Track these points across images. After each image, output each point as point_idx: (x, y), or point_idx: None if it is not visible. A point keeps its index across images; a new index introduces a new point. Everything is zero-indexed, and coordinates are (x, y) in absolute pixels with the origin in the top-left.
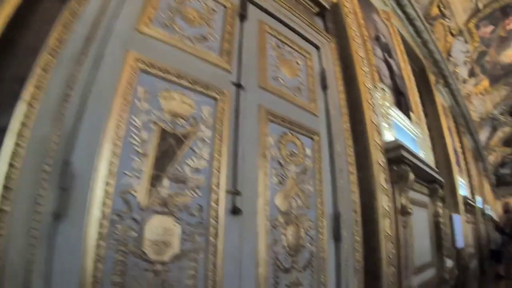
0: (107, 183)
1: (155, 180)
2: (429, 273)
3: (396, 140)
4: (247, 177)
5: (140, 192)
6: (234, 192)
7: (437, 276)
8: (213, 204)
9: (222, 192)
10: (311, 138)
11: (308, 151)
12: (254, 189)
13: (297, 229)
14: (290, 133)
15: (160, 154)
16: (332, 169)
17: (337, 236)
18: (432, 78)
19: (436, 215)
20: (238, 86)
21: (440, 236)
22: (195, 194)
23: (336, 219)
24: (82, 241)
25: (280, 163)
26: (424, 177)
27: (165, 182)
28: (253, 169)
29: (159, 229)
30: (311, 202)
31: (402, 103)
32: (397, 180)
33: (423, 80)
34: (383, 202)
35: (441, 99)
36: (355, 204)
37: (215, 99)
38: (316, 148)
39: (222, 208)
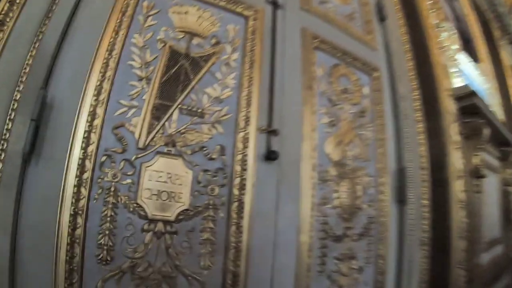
0: (95, 115)
1: (160, 111)
2: (497, 250)
3: (467, 86)
4: (288, 113)
5: (139, 126)
6: (269, 131)
7: (505, 255)
8: (239, 145)
9: (252, 130)
10: (369, 75)
11: (366, 90)
12: (296, 129)
13: (352, 186)
14: (343, 65)
15: (168, 79)
16: (396, 114)
17: (401, 198)
18: (497, 33)
19: (506, 183)
20: (275, 4)
21: (509, 209)
22: (215, 131)
23: (401, 176)
24: (58, 187)
25: (331, 101)
26: (496, 137)
27: (174, 114)
28: (296, 103)
29: (163, 176)
30: (371, 153)
31: (468, 52)
32: (470, 135)
33: (486, 36)
34: (456, 160)
35: (508, 57)
36: (423, 160)
37: (244, 16)
38: (375, 87)
39: (252, 151)
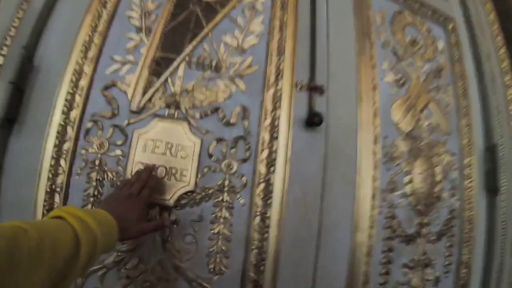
0: (81, 74)
1: (161, 66)
2: None
3: None
4: (336, 65)
5: (133, 85)
6: (311, 87)
7: None
8: (268, 105)
9: (286, 86)
10: (443, 26)
11: (441, 45)
12: (350, 86)
13: (429, 167)
14: (408, 12)
15: (174, 28)
16: (480, 77)
17: (492, 186)
18: None
19: None
20: None
21: None
22: (234, 88)
23: (492, 156)
24: (38, 160)
25: (396, 54)
26: None
27: (180, 69)
28: (347, 52)
29: (161, 146)
30: (452, 124)
31: None
32: None
33: None
34: None
35: None
36: None
37: None
38: (453, 42)
39: (285, 113)
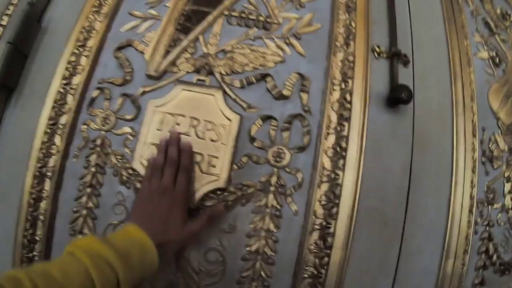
0: (90, 32)
1: (191, 21)
2: None
3: None
4: (420, 29)
5: (154, 43)
6: (394, 53)
7: None
8: (336, 74)
9: (361, 50)
10: None
11: None
12: (439, 59)
13: None
14: None
15: None
16: None
17: None
18: None
19: None
20: None
21: None
22: (289, 51)
23: None
24: (31, 135)
25: (488, 25)
26: None
27: (217, 25)
28: (433, 16)
29: (184, 123)
30: None
31: None
32: None
33: None
34: None
35: None
36: None
37: None
38: None
39: (360, 86)
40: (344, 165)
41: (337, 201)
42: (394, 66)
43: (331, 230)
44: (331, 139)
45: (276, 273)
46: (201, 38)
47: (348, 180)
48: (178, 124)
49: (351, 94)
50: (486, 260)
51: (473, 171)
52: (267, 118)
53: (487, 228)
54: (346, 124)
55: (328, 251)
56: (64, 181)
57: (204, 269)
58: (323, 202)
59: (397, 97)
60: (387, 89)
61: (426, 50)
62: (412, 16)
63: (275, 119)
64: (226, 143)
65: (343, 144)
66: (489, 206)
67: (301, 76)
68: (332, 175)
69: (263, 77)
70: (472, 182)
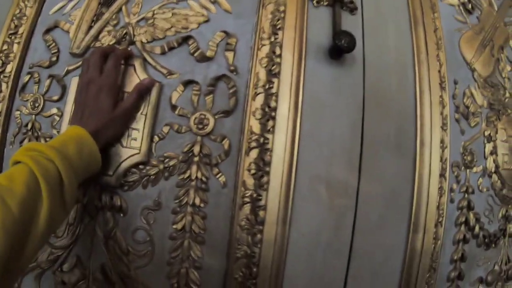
0: (21, 19)
1: None
2: None
3: None
4: None
5: (78, 22)
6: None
7: None
8: (265, 28)
9: (293, 1)
10: None
11: None
12: (395, 2)
13: None
14: None
15: None
16: None
17: None
18: None
19: None
20: None
21: None
22: (214, 9)
23: None
24: None
25: None
26: None
27: None
28: None
29: None
30: None
31: None
32: None
33: None
34: None
35: None
36: None
37: None
38: None
39: (293, 37)
40: (273, 126)
41: (267, 169)
42: (336, 13)
43: (262, 202)
44: (260, 99)
45: (207, 253)
46: (123, 8)
47: (279, 143)
48: None
49: (281, 47)
50: (467, 232)
51: (443, 129)
52: (188, 83)
53: (466, 195)
54: (275, 80)
55: (261, 227)
56: (4, 170)
57: (133, 250)
58: (253, 171)
59: (337, 45)
60: (328, 39)
61: None
62: None
63: (197, 83)
64: (145, 114)
65: (272, 103)
66: (467, 170)
67: (227, 34)
68: (261, 139)
69: (185, 40)
70: (442, 142)
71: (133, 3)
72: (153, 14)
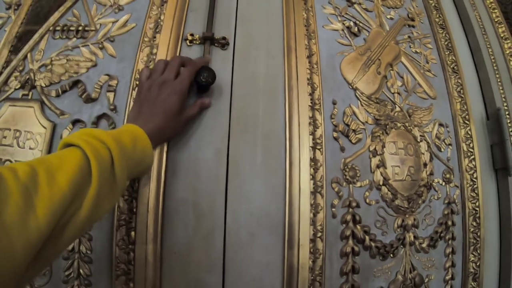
0: None
1: (22, 41)
2: None
3: None
4: (250, 10)
5: None
6: (205, 37)
7: None
8: (141, 68)
9: (165, 40)
10: None
11: None
12: (270, 37)
13: (410, 143)
14: None
15: None
16: (467, 28)
17: (501, 164)
18: None
19: None
20: None
21: None
22: (101, 54)
23: (495, 123)
24: None
25: None
26: None
27: (43, 41)
28: None
29: (9, 135)
30: (437, 83)
31: None
32: None
33: None
34: None
35: None
36: None
37: None
38: None
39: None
40: None
41: (135, 195)
42: (205, 50)
43: (133, 224)
44: None
45: (95, 271)
46: (29, 55)
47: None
48: (4, 137)
49: None
50: (355, 245)
51: (316, 148)
52: (76, 122)
53: (350, 209)
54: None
55: (132, 246)
56: None
57: None
58: (126, 197)
59: (197, 81)
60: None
61: (255, 28)
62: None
63: (83, 121)
64: (42, 150)
65: None
66: (350, 185)
67: (110, 76)
68: None
69: (75, 83)
70: (313, 160)
71: (37, 51)
72: (51, 61)
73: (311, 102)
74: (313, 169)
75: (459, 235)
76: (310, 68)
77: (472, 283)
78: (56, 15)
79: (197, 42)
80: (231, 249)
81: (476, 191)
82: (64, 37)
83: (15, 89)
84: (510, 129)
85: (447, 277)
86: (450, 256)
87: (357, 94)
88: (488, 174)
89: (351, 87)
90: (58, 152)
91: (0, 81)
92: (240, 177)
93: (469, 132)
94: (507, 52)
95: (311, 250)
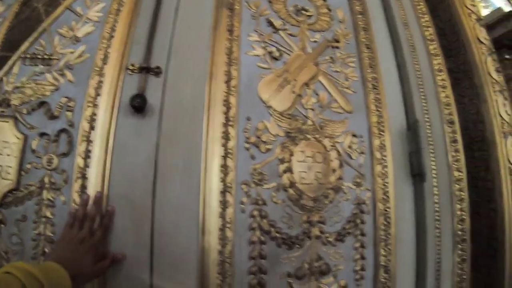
0: None
1: None
2: None
3: (501, 9)
4: (182, 42)
5: None
6: (141, 68)
7: None
8: (91, 92)
9: (110, 70)
10: None
11: (341, 14)
12: (196, 65)
13: (319, 152)
14: None
15: (14, 27)
16: (395, 45)
17: (417, 170)
18: None
19: None
20: None
21: None
22: (62, 80)
23: (414, 134)
24: None
25: (271, 24)
26: None
27: (16, 66)
28: (199, 28)
29: None
30: (355, 99)
31: None
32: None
33: None
34: (500, 109)
35: None
36: (448, 109)
37: None
38: (358, 10)
39: (107, 100)
40: (89, 163)
41: (85, 191)
42: (141, 78)
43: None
44: (83, 145)
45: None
46: (4, 79)
47: (93, 174)
48: None
49: (97, 108)
50: (262, 236)
51: (227, 157)
52: (43, 135)
53: (257, 206)
54: (92, 131)
55: None
56: None
57: (10, 250)
58: (79, 192)
59: (132, 105)
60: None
61: (185, 58)
62: (177, 31)
63: (48, 134)
64: (17, 156)
65: (90, 147)
66: (258, 187)
67: (68, 99)
68: (83, 172)
69: (42, 103)
70: (224, 166)
71: (11, 75)
72: (22, 84)
73: (225, 119)
74: (223, 173)
75: (370, 232)
76: (228, 90)
77: (384, 275)
78: (27, 44)
79: (136, 72)
80: (158, 234)
81: (387, 194)
82: (33, 64)
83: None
84: (429, 139)
85: (357, 268)
86: (359, 249)
87: (270, 111)
88: (404, 180)
89: (265, 105)
90: (3, 278)
91: None
92: (165, 180)
93: (383, 142)
94: (436, 67)
95: (220, 237)
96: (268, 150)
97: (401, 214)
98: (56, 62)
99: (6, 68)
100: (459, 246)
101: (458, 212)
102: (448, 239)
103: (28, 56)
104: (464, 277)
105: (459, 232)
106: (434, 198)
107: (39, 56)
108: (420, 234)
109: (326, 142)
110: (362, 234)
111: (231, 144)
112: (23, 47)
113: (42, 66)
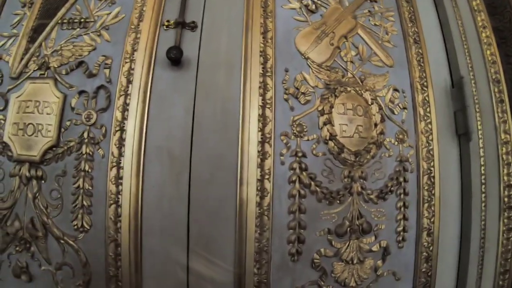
0: None
1: (37, 32)
2: None
3: None
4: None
5: (14, 55)
6: (177, 23)
7: None
8: (128, 50)
9: (146, 26)
10: None
11: None
12: (230, 18)
13: (360, 105)
14: None
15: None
16: (437, 1)
17: (463, 129)
18: None
19: None
20: None
21: None
22: (99, 40)
23: (459, 92)
24: None
25: None
26: None
27: (54, 32)
28: None
29: (31, 105)
30: (396, 53)
31: None
32: None
33: None
34: None
35: None
36: (493, 67)
37: None
38: None
39: (144, 55)
40: (128, 115)
41: (123, 143)
42: (177, 33)
43: (122, 164)
44: (122, 99)
45: (95, 202)
46: (43, 44)
47: (131, 126)
48: (27, 107)
49: (134, 63)
50: (302, 189)
51: (266, 107)
52: (81, 92)
53: (297, 158)
54: (130, 85)
55: (121, 181)
56: None
57: (50, 204)
58: (117, 145)
59: (168, 57)
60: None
61: (219, 12)
62: None
63: (86, 92)
64: (56, 114)
65: (128, 100)
66: (298, 139)
67: (106, 57)
68: (122, 125)
69: (80, 63)
70: (262, 116)
71: (49, 40)
72: (61, 47)
73: (262, 70)
74: (262, 123)
75: (413, 192)
76: (264, 42)
77: (427, 238)
78: (63, 10)
79: (172, 27)
80: (195, 186)
81: (431, 153)
82: (70, 28)
83: (34, 70)
84: (475, 97)
85: (399, 229)
86: (402, 209)
87: (308, 63)
88: (449, 139)
89: (303, 57)
90: None
91: (21, 65)
92: (203, 130)
93: (426, 98)
94: (480, 24)
95: (258, 188)
96: (307, 101)
97: (446, 175)
98: (93, 24)
99: (44, 34)
100: (505, 214)
101: (505, 178)
102: (494, 205)
103: (65, 21)
104: (510, 247)
105: (506, 199)
106: (481, 160)
107: (76, 20)
108: (466, 197)
109: (367, 95)
110: (405, 194)
111: (269, 94)
112: (59, 14)
113: (79, 29)
